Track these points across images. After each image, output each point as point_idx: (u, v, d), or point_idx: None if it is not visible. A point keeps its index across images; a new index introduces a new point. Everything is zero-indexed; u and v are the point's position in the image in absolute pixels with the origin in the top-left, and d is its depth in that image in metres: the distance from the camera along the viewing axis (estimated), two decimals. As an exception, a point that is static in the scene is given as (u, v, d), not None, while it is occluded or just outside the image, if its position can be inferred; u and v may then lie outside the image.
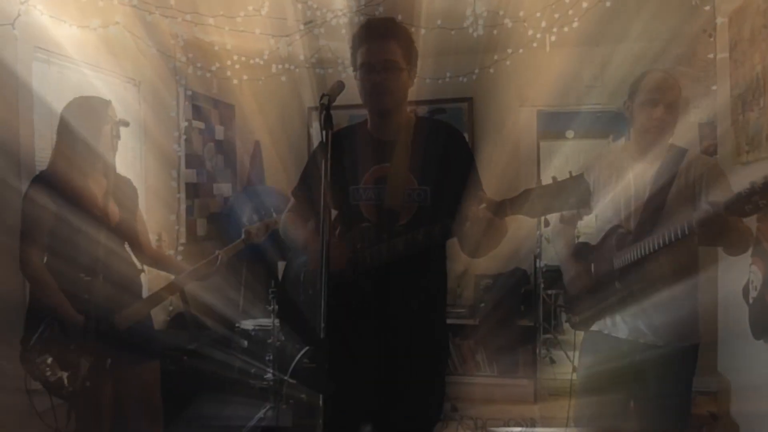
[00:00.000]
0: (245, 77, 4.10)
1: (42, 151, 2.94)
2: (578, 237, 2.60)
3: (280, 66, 3.92)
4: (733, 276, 2.72)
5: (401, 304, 1.85)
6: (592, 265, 2.31)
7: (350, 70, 1.99)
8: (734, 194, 1.77)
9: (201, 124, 4.29)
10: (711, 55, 3.17)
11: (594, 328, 2.33)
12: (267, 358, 3.43)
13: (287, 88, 4.36)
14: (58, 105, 3.00)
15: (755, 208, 1.73)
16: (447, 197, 1.86)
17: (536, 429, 3.75)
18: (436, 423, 2.01)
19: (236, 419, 3.29)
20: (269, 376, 3.38)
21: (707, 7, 3.07)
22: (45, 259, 2.35)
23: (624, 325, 2.22)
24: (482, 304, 4.41)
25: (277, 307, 2.39)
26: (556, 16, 3.20)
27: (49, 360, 2.29)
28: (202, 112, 4.31)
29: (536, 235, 4.57)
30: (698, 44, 3.36)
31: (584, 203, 1.60)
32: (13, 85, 2.74)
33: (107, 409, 2.44)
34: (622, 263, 2.15)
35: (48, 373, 2.29)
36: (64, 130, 2.40)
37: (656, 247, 2.00)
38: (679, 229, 1.91)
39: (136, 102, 3.58)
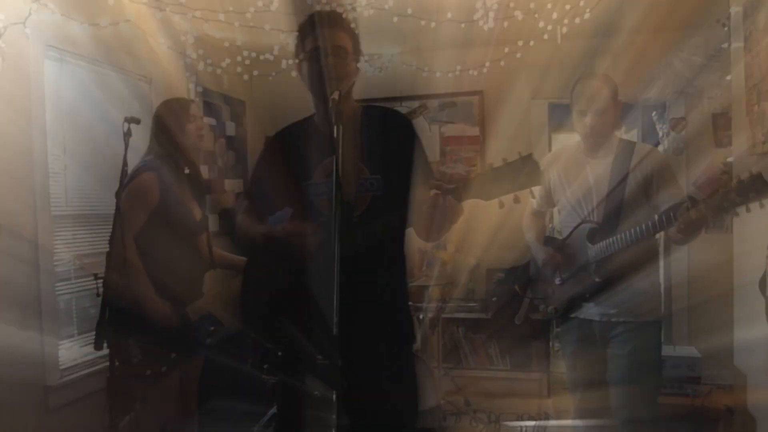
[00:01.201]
0: (256, 73, 4.10)
1: (54, 148, 2.96)
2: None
3: (290, 61, 3.91)
4: (749, 268, 2.69)
5: (364, 295, 1.80)
6: (563, 257, 2.49)
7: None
8: (713, 192, 1.94)
9: (212, 121, 4.31)
10: (725, 45, 3.12)
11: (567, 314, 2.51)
12: (279, 354, 3.43)
13: (298, 84, 4.35)
14: (70, 103, 3.04)
15: (731, 205, 1.89)
16: (399, 183, 1.86)
17: (549, 422, 3.74)
18: (415, 412, 2.03)
19: (249, 415, 3.31)
20: (281, 372, 3.38)
21: (721, -4, 3.04)
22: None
23: (595, 308, 2.40)
24: (494, 299, 4.39)
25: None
26: (568, 7, 3.17)
27: (133, 343, 2.39)
28: (213, 108, 4.32)
29: (548, 228, 4.56)
30: (711, 34, 3.31)
31: (535, 182, 1.63)
32: (25, 84, 2.76)
33: (174, 394, 2.57)
34: (600, 256, 2.33)
35: (131, 356, 2.39)
36: (157, 128, 2.57)
37: (633, 240, 2.20)
38: (657, 225, 2.12)
39: (148, 99, 3.60)
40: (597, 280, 2.34)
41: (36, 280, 2.78)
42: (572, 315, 2.48)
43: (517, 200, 1.66)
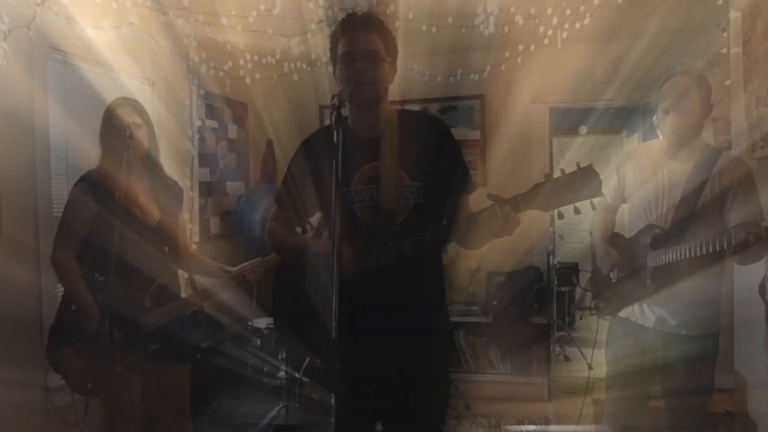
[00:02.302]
0: (258, 76, 4.12)
1: (57, 150, 2.98)
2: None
3: (292, 64, 3.94)
4: (749, 273, 2.69)
5: (403, 304, 1.82)
6: (626, 256, 2.42)
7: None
8: None
9: (214, 123, 4.33)
10: (724, 50, 3.13)
11: (622, 315, 2.44)
12: (280, 356, 3.45)
13: (300, 87, 4.38)
14: (74, 105, 3.06)
15: None
16: (439, 190, 1.85)
17: (550, 427, 3.74)
18: (444, 419, 2.02)
19: (249, 417, 3.32)
20: (282, 374, 3.40)
21: (720, 2, 3.05)
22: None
23: (651, 315, 2.34)
24: (495, 302, 4.40)
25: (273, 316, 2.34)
26: (568, 12, 3.18)
27: (71, 354, 2.35)
28: (216, 111, 4.34)
29: (549, 232, 4.56)
30: (711, 38, 3.32)
31: (596, 193, 1.58)
32: (28, 86, 2.77)
33: (130, 407, 2.47)
34: (657, 263, 2.25)
35: (68, 368, 2.37)
36: (105, 130, 2.46)
37: (693, 255, 2.09)
38: (717, 244, 2.00)
39: (151, 101, 3.61)
40: (649, 284, 2.29)
41: (37, 282, 2.78)
42: (624, 315, 2.44)
43: (577, 211, 1.63)
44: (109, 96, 3.26)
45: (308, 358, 3.36)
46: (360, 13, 2.03)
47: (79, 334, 2.33)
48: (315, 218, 2.01)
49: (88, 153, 3.13)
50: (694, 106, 2.22)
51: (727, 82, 3.11)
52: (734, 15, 2.94)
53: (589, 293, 2.70)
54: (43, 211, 2.84)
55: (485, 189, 4.91)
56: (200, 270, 2.67)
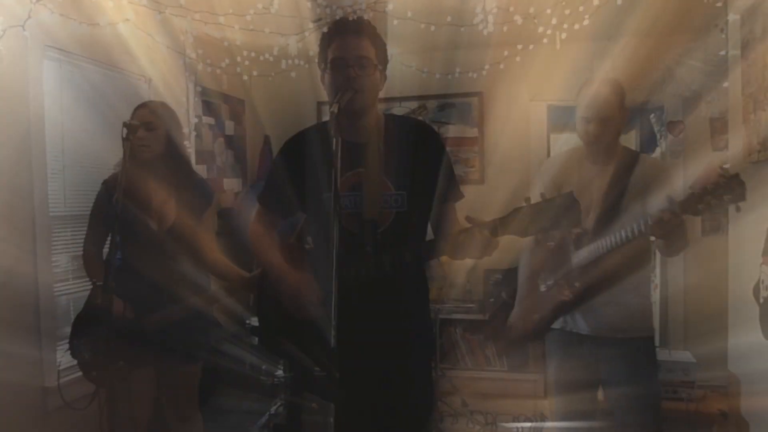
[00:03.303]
0: (255, 73, 4.11)
1: (53, 148, 2.97)
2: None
3: (290, 62, 3.92)
4: (744, 275, 2.71)
5: (386, 310, 1.81)
6: (545, 262, 2.41)
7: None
8: (689, 193, 1.87)
9: (211, 120, 4.31)
10: (723, 52, 3.13)
11: (555, 326, 2.42)
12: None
13: (297, 83, 4.36)
14: (69, 103, 3.05)
15: (707, 207, 1.83)
16: (424, 201, 1.83)
17: (546, 423, 3.76)
18: (430, 415, 2.05)
19: (248, 415, 3.33)
20: (280, 372, 3.41)
21: (719, 4, 3.04)
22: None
23: (583, 322, 2.33)
24: (492, 299, 4.41)
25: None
26: (567, 12, 3.18)
27: (87, 343, 2.42)
28: (213, 107, 4.32)
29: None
30: (710, 40, 3.32)
31: (575, 221, 1.57)
32: (23, 84, 2.76)
33: (134, 402, 2.50)
34: (581, 262, 2.24)
35: (81, 355, 2.46)
36: (130, 135, 2.41)
37: (613, 246, 2.11)
38: (635, 227, 2.02)
39: (147, 98, 3.59)
40: (576, 285, 2.27)
41: (34, 281, 2.78)
42: (558, 326, 2.41)
43: (553, 239, 1.62)
44: (106, 93, 3.27)
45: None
46: (351, 19, 2.01)
47: (95, 325, 2.35)
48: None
49: (88, 151, 3.15)
50: (613, 114, 2.24)
51: (725, 84, 3.11)
52: (733, 18, 2.94)
53: None
54: (39, 210, 2.84)
55: (483, 186, 4.91)
56: (219, 273, 2.65)
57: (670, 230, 1.97)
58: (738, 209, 1.85)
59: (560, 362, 2.46)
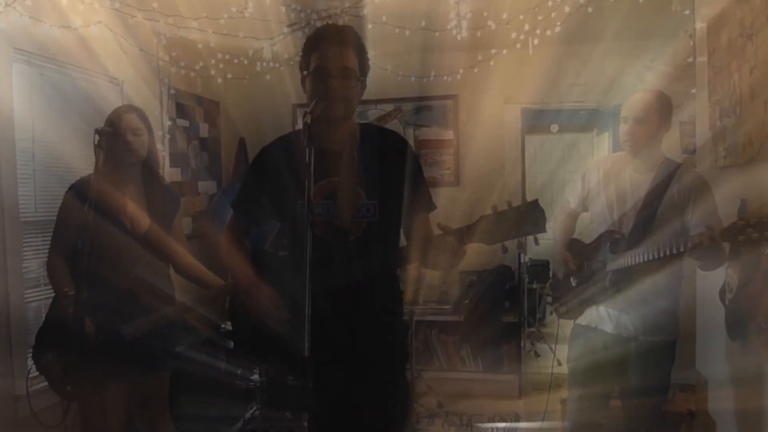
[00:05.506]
0: (230, 76, 4.08)
1: (23, 153, 2.92)
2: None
3: (264, 65, 3.91)
4: (711, 277, 2.76)
5: (359, 317, 1.83)
6: (584, 262, 2.53)
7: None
8: (730, 224, 1.95)
9: (185, 122, 4.27)
10: (690, 59, 3.20)
11: (581, 322, 2.56)
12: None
13: (272, 86, 4.34)
14: (39, 106, 3.00)
15: (748, 240, 1.90)
16: (395, 210, 1.85)
17: (520, 424, 3.80)
18: (406, 418, 2.06)
19: (223, 420, 3.31)
20: (255, 377, 3.39)
21: (687, 12, 3.11)
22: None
23: (609, 320, 2.45)
24: (467, 301, 4.45)
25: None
26: (540, 18, 3.21)
27: (55, 357, 2.36)
28: (186, 110, 4.28)
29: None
30: (679, 46, 3.39)
31: (540, 229, 1.59)
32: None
33: (104, 413, 2.46)
34: (616, 267, 2.35)
35: (50, 370, 2.38)
36: (103, 137, 2.40)
37: (651, 258, 2.19)
38: (674, 247, 2.10)
39: (119, 101, 3.55)
40: (608, 286, 2.38)
41: (4, 287, 2.74)
42: (584, 323, 2.54)
43: (520, 247, 1.65)
44: (77, 96, 3.23)
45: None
46: (336, 26, 2.01)
47: (64, 338, 2.30)
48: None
49: (59, 155, 3.11)
50: (652, 118, 2.35)
51: (693, 90, 3.18)
52: (700, 25, 3.00)
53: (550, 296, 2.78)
54: (9, 215, 2.79)
55: (458, 189, 4.92)
56: (194, 278, 2.64)
57: (708, 255, 2.04)
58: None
59: (579, 357, 2.57)
